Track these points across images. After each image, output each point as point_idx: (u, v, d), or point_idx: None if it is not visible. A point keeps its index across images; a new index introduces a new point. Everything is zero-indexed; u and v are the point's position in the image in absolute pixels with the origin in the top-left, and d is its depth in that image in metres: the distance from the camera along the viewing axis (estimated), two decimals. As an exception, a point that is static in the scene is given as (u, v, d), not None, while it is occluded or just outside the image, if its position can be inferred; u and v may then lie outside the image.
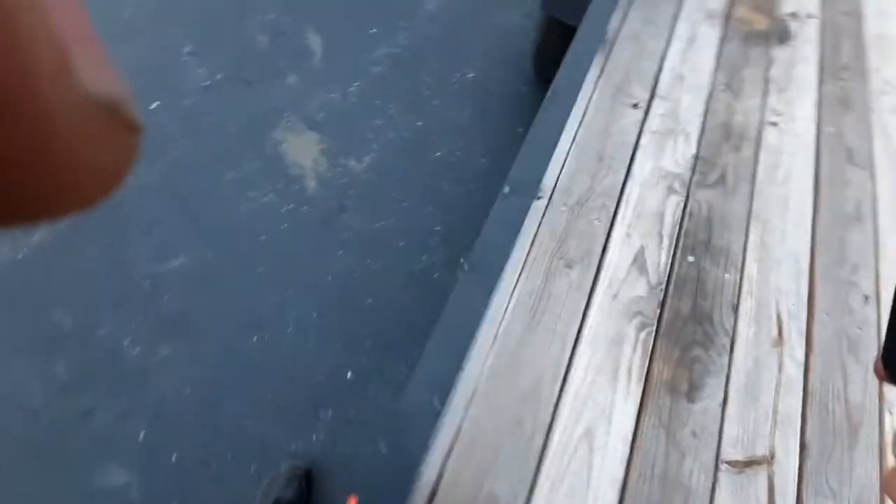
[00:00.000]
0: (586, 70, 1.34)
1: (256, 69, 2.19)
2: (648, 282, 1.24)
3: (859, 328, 1.22)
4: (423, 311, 1.80)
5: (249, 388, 1.57)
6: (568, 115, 1.23)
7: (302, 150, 2.02)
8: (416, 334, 1.76)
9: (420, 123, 2.16)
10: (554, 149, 1.18)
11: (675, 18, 1.78)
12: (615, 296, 1.21)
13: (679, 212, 1.36)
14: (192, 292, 1.71)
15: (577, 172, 1.35)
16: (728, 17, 1.83)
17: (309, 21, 2.35)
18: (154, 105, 2.02)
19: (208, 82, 2.12)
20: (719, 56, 1.71)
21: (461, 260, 0.92)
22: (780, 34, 1.82)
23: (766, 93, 1.65)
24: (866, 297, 1.29)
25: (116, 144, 0.20)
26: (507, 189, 1.04)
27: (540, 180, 1.13)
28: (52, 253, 1.72)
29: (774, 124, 1.58)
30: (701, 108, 1.57)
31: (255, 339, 1.65)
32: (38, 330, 1.61)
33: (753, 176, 1.46)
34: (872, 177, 1.51)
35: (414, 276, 1.84)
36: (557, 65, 2.11)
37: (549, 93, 1.20)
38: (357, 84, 2.21)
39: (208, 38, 2.24)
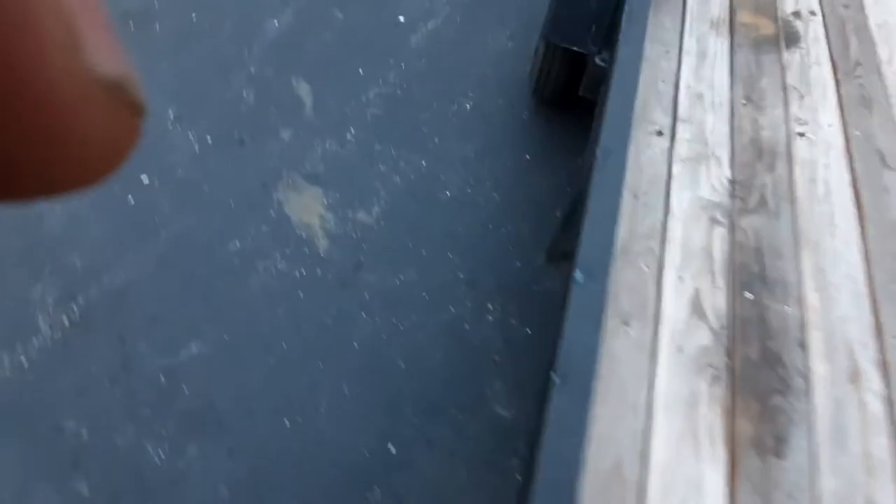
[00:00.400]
0: (629, 120, 1.26)
1: (247, 127, 2.08)
2: (710, 328, 1.17)
3: (936, 350, 1.16)
4: (458, 366, 1.72)
5: (291, 480, 1.47)
6: (623, 177, 1.15)
7: (306, 208, 1.92)
8: (456, 393, 1.67)
9: (424, 163, 2.07)
10: (616, 220, 1.10)
11: (681, 33, 1.72)
12: (680, 349, 1.14)
13: (726, 245, 1.29)
14: (213, 381, 1.60)
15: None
16: (732, 25, 1.78)
17: (293, 70, 2.25)
18: (143, 180, 1.90)
19: (198, 148, 2.01)
20: (733, 68, 1.65)
21: (552, 374, 0.83)
22: (788, 37, 1.77)
23: (786, 102, 1.60)
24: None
25: (120, 124, 0.19)
26: (579, 275, 0.96)
27: (609, 258, 1.05)
28: (56, 359, 1.59)
29: (802, 135, 1.52)
30: (726, 127, 1.51)
31: (288, 424, 1.55)
32: (53, 447, 1.48)
33: (793, 194, 1.40)
34: (908, 178, 1.47)
35: (443, 329, 1.75)
36: (561, 90, 2.05)
37: (599, 157, 1.12)
38: (353, 130, 2.12)
39: (191, 99, 2.13)
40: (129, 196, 1.85)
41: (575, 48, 1.67)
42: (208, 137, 2.03)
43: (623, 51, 1.34)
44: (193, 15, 2.34)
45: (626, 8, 1.43)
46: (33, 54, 0.15)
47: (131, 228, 1.80)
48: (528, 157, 2.15)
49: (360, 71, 2.28)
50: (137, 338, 1.64)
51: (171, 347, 1.64)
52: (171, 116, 2.10)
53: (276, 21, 2.42)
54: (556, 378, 0.80)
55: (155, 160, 1.94)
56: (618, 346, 1.12)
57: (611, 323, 1.15)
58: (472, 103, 2.24)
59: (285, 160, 2.00)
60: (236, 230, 1.84)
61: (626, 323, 1.15)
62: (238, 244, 1.81)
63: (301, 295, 1.75)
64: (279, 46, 2.33)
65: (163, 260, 1.76)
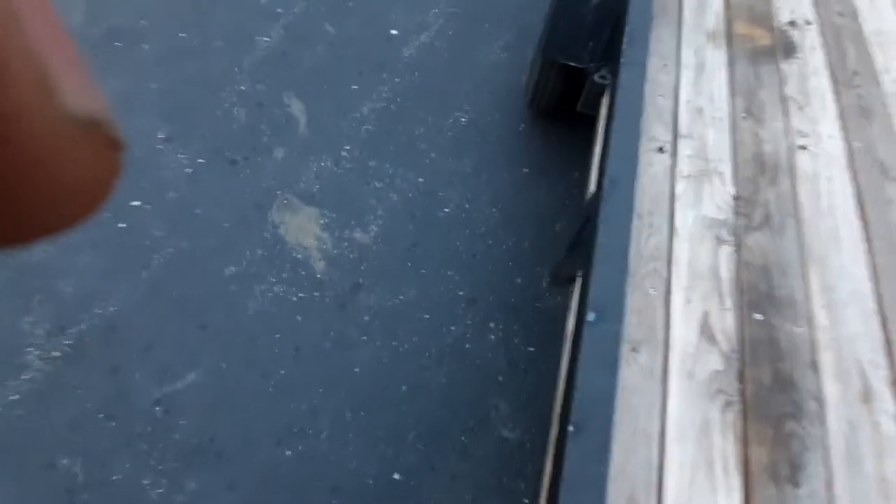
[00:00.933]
0: (636, 150, 1.23)
1: (239, 147, 2.04)
2: (721, 352, 1.15)
3: (948, 368, 1.15)
4: (461, 388, 1.69)
5: (293, 513, 1.43)
6: (632, 210, 1.13)
7: (303, 229, 1.88)
8: (460, 416, 1.64)
9: (421, 180, 2.04)
10: (627, 256, 1.07)
11: (678, 45, 1.70)
12: (691, 375, 1.11)
13: (733, 264, 1.27)
14: (211, 411, 1.56)
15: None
16: (729, 36, 1.76)
17: (285, 87, 2.21)
18: (134, 204, 1.85)
19: (190, 169, 1.96)
20: (732, 80, 1.64)
21: (572, 421, 0.80)
22: (785, 47, 1.76)
23: (786, 113, 1.58)
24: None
25: (100, 162, 0.19)
26: (592, 316, 0.93)
27: (623, 297, 1.02)
28: (48, 392, 1.54)
29: (804, 148, 1.51)
30: (727, 142, 1.50)
31: (289, 453, 1.51)
32: (46, 485, 1.44)
33: (797, 209, 1.38)
34: (910, 188, 1.46)
35: (445, 350, 1.72)
36: (558, 103, 2.02)
37: (607, 184, 1.10)
38: (348, 147, 2.08)
39: (182, 119, 2.08)
40: (120, 221, 1.80)
41: (572, 64, 1.65)
42: (200, 158, 1.99)
43: (626, 74, 1.31)
44: (182, 33, 2.30)
45: (627, 28, 1.41)
46: (5, 100, 0.14)
47: (123, 254, 1.76)
48: (525, 170, 2.12)
49: (354, 86, 2.24)
50: (132, 368, 1.60)
51: (167, 377, 1.59)
52: (161, 137, 2.06)
53: (266, 37, 2.39)
54: (570, 427, 0.78)
55: (145, 182, 1.90)
56: (628, 375, 1.10)
57: (620, 350, 1.13)
58: (467, 117, 2.22)
59: (279, 180, 1.96)
60: (231, 253, 1.80)
61: (635, 350, 1.13)
62: (233, 268, 1.77)
63: (299, 319, 1.72)
64: (271, 62, 2.29)
65: (156, 286, 1.72)
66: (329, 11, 2.55)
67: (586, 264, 1.02)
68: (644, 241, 1.27)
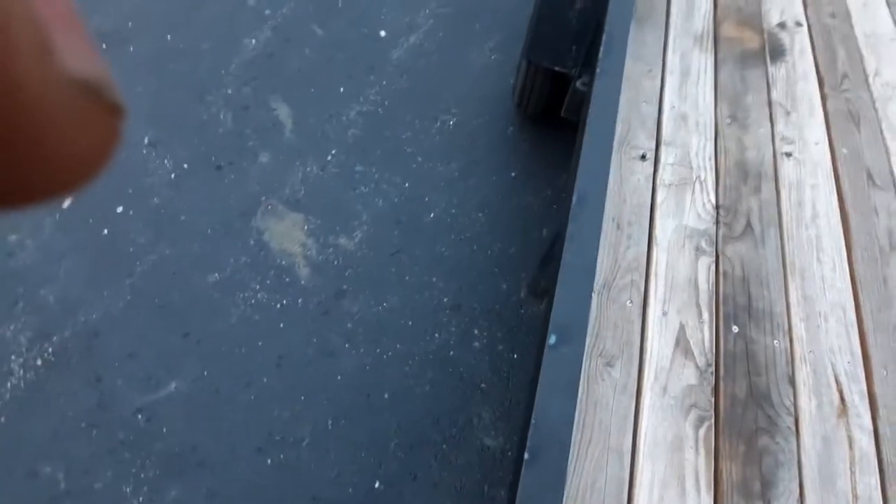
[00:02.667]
0: (607, 167, 1.21)
1: (225, 151, 2.03)
2: (697, 366, 1.14)
3: (926, 383, 1.14)
4: (444, 396, 1.68)
5: (274, 521, 1.44)
6: (600, 229, 1.11)
7: (287, 235, 1.88)
8: (443, 424, 1.64)
9: (407, 185, 2.03)
10: (595, 272, 1.06)
11: (664, 49, 1.68)
12: (664, 389, 1.11)
13: (712, 275, 1.26)
14: (193, 419, 1.56)
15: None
16: (717, 39, 1.74)
17: (272, 90, 2.20)
18: (118, 210, 1.85)
19: (175, 175, 1.96)
20: (717, 85, 1.61)
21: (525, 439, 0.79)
22: (774, 50, 1.73)
23: (773, 119, 1.56)
24: (919, 338, 1.21)
25: (100, 125, 0.19)
26: (553, 339, 0.92)
27: (586, 321, 1.01)
28: (30, 400, 1.55)
29: (789, 154, 1.49)
30: (711, 149, 1.48)
31: (270, 461, 1.52)
32: (30, 494, 1.45)
33: (779, 218, 1.37)
34: (897, 196, 1.44)
35: (429, 358, 1.72)
36: (545, 107, 2.00)
37: (575, 201, 1.08)
38: (334, 152, 2.07)
39: (167, 123, 2.08)
40: (103, 227, 1.80)
41: (556, 68, 1.63)
42: (185, 163, 1.99)
43: (600, 85, 1.29)
44: (168, 35, 2.29)
45: (605, 37, 1.38)
46: (3, 63, 0.14)
47: (106, 261, 1.76)
48: (513, 174, 2.11)
49: (341, 89, 2.23)
50: (114, 376, 1.60)
51: (150, 385, 1.60)
52: (146, 142, 2.05)
53: (253, 39, 2.37)
54: (526, 455, 0.77)
55: (129, 188, 1.89)
56: (601, 390, 1.09)
57: (594, 364, 1.12)
58: (455, 120, 2.20)
59: (265, 185, 1.95)
60: (216, 261, 1.80)
61: (609, 364, 1.12)
62: (216, 275, 1.77)
63: (282, 326, 1.71)
64: (257, 65, 2.28)
65: (139, 293, 1.72)
66: (317, 12, 2.53)
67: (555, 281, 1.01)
68: (622, 252, 1.26)
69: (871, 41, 1.81)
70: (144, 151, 2.00)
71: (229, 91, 2.17)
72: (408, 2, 2.66)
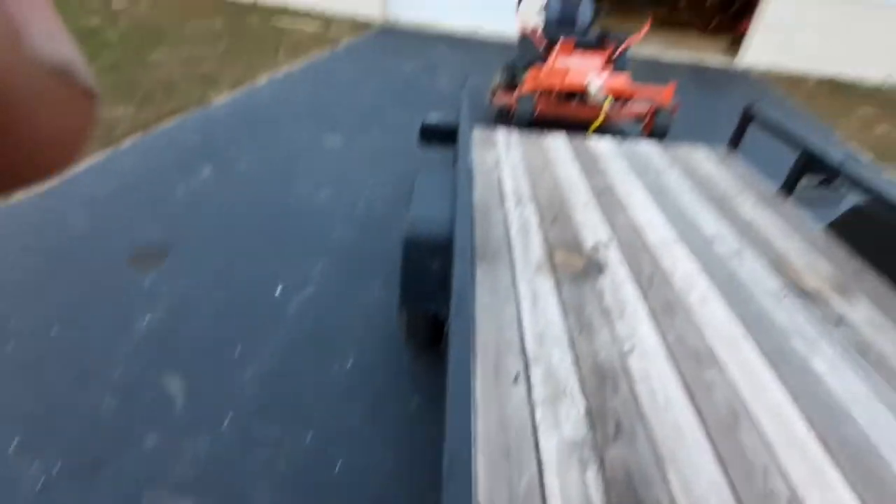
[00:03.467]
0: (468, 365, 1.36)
1: (105, 442, 1.90)
2: (611, 592, 1.14)
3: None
4: None
5: None
6: (472, 469, 1.20)
7: (175, 529, 1.68)
8: None
9: (309, 438, 2.00)
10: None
11: (514, 281, 2.04)
12: None
13: (601, 484, 1.34)
14: None
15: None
16: (553, 265, 2.17)
17: (163, 364, 2.21)
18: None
19: (42, 481, 1.75)
20: (562, 303, 1.96)
21: None
22: (597, 267, 2.19)
23: (610, 323, 1.89)
24: (789, 500, 1.35)
25: (74, 109, 0.19)
26: None
27: None
28: None
29: (631, 351, 1.77)
30: (570, 359, 1.72)
31: None
32: None
33: (641, 411, 1.56)
34: (721, 370, 1.73)
35: None
36: (430, 339, 2.22)
37: (444, 471, 1.17)
38: (231, 416, 2.03)
39: (43, 420, 1.93)
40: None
41: (427, 312, 1.90)
42: (55, 466, 1.80)
43: (455, 324, 1.45)
44: (54, 326, 2.29)
45: (454, 283, 1.62)
46: None
47: None
48: (416, 404, 2.19)
49: (236, 353, 2.30)
50: None
51: None
52: (14, 445, 1.87)
53: (148, 315, 2.45)
54: None
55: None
56: None
57: None
58: (352, 362, 2.32)
59: (148, 476, 1.80)
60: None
61: None
62: None
63: None
64: (148, 342, 2.31)
65: None
66: (214, 281, 2.73)
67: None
68: (516, 482, 1.33)
69: (661, 246, 2.37)
70: (10, 457, 1.80)
71: (117, 373, 2.14)
72: (303, 255, 3.00)
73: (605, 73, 4.48)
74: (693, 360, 1.76)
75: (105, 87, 5.28)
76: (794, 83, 8.91)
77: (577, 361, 1.71)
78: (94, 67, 4.58)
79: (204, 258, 2.87)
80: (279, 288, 2.70)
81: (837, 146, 5.98)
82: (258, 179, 3.87)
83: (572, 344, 1.78)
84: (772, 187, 3.07)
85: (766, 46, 9.56)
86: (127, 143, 4.23)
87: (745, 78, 9.11)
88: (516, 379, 1.62)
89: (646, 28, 5.15)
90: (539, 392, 1.58)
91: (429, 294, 1.89)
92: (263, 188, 3.75)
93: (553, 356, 1.72)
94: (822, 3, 9.01)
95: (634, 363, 1.73)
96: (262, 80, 6.20)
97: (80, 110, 0.20)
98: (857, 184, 2.54)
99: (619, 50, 4.96)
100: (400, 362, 2.36)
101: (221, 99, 5.43)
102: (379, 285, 2.84)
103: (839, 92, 8.51)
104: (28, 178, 0.19)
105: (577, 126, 4.35)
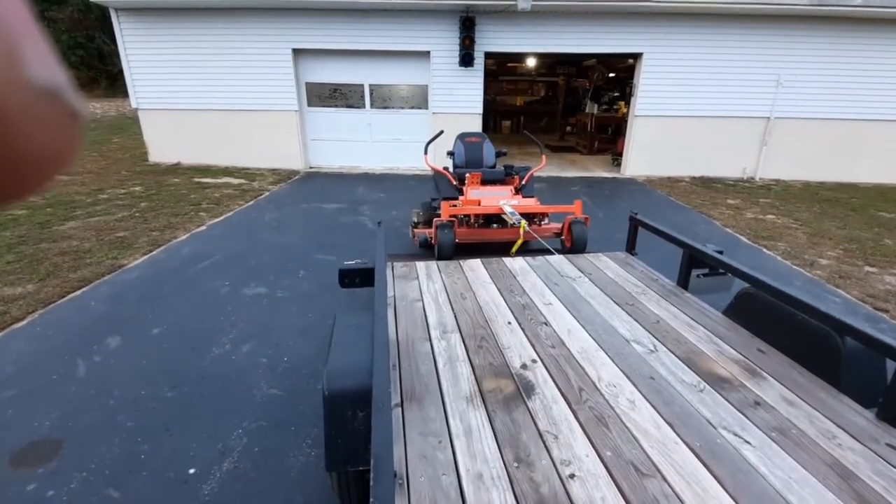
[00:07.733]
0: None
1: None
2: None
3: None
4: None
5: None
6: None
7: None
8: None
9: None
10: None
11: (446, 417, 1.97)
12: None
13: None
14: None
15: None
16: (482, 394, 2.14)
17: None
18: None
19: None
20: (496, 434, 1.90)
21: None
22: (525, 387, 2.19)
23: (547, 448, 1.84)
24: None
25: (62, 129, 0.20)
26: None
27: None
28: None
29: (572, 476, 1.72)
30: (512, 499, 1.63)
31: None
32: None
33: (593, 542, 1.47)
34: (663, 478, 1.71)
35: None
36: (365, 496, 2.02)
37: None
38: None
39: None
40: None
41: (359, 469, 1.76)
42: None
43: (376, 490, 1.35)
44: None
45: (373, 460, 1.47)
46: None
47: None
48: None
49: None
50: None
51: None
52: None
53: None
54: None
55: None
56: None
57: None
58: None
59: None
60: None
61: None
62: None
63: None
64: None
65: None
66: (113, 472, 2.39)
67: None
68: None
69: (585, 356, 2.44)
70: None
71: None
72: (219, 425, 2.74)
73: (516, 200, 4.98)
74: (633, 474, 1.73)
75: (0, 266, 4.99)
76: (671, 183, 10.30)
77: (519, 499, 1.62)
78: (-13, 251, 4.36)
79: (101, 450, 2.54)
80: (191, 470, 2.40)
81: (716, 235, 6.79)
82: (171, 345, 3.65)
83: (512, 480, 1.70)
84: (669, 282, 3.37)
85: (641, 158, 11.17)
86: (25, 322, 3.90)
87: (632, 183, 10.42)
88: (458, 534, 1.49)
89: (543, 163, 5.88)
90: (484, 546, 1.46)
91: (356, 450, 1.77)
92: (177, 355, 3.52)
93: (494, 498, 1.62)
94: (676, 123, 10.87)
95: (577, 489, 1.66)
96: (183, 237, 6.17)
97: (68, 130, 0.22)
98: (734, 273, 2.85)
99: (525, 178, 5.59)
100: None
101: (135, 262, 5.29)
102: (309, 444, 2.63)
103: (709, 187, 9.91)
104: (14, 193, 0.20)
105: (499, 248, 4.65)
